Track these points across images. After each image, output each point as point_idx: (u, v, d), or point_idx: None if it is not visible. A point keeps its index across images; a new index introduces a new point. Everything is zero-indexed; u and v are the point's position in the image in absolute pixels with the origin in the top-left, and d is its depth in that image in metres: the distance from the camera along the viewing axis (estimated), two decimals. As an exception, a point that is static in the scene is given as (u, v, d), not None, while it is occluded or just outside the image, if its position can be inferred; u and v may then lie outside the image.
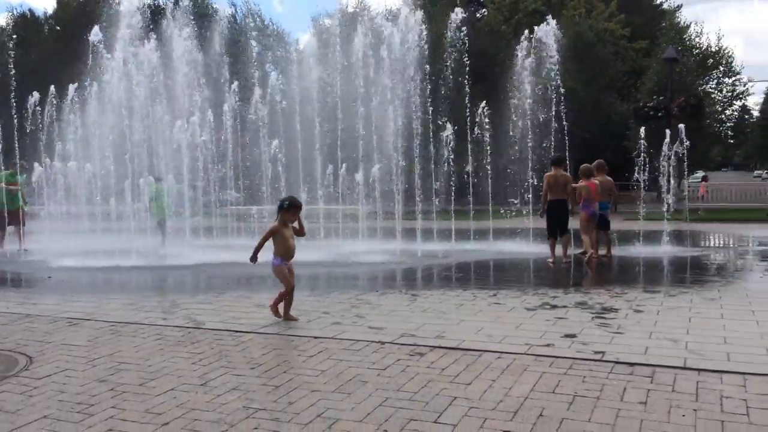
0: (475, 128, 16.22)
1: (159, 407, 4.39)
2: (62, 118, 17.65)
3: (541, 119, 17.61)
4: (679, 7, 56.72)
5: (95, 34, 15.53)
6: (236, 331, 6.52)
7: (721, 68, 52.33)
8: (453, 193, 16.62)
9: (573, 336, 6.05)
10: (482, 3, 55.69)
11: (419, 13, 17.63)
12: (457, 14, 17.91)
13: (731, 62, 52.92)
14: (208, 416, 4.21)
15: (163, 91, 16.82)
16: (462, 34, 17.97)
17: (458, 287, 9.39)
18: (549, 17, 16.52)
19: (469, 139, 16.37)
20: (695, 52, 46.84)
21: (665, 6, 56.08)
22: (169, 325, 6.86)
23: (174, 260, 12.86)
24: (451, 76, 20.41)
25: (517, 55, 17.26)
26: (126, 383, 4.93)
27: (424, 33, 17.10)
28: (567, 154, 14.28)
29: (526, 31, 17.16)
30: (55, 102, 17.83)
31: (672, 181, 15.63)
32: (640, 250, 13.56)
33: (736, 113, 62.26)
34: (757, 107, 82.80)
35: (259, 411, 4.28)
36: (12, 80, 17.24)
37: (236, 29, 44.73)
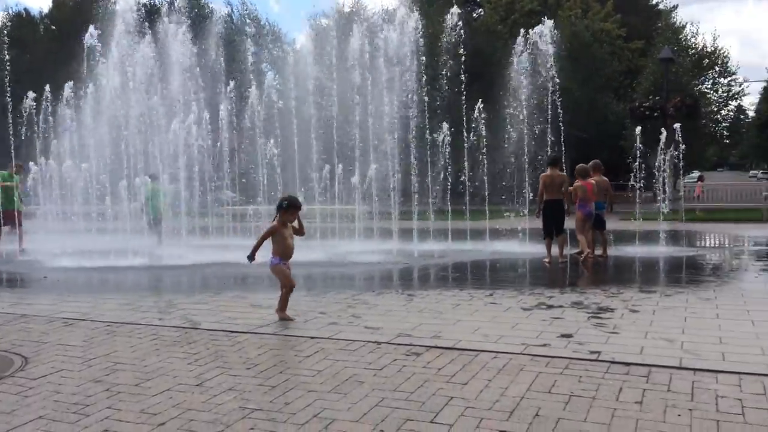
0: (472, 128, 16.24)
1: (155, 407, 4.38)
2: (58, 117, 17.62)
3: (538, 119, 17.62)
4: (675, 7, 56.84)
5: (90, 36, 15.48)
6: (232, 332, 6.52)
7: (717, 68, 52.40)
8: (449, 193, 16.62)
9: (569, 336, 6.06)
10: (478, 3, 55.71)
11: (415, 14, 17.62)
12: (453, 14, 17.91)
13: (727, 62, 53.03)
14: (204, 416, 4.21)
15: (159, 90, 16.78)
16: (458, 33, 17.96)
17: (455, 287, 9.40)
18: (545, 18, 16.54)
19: (465, 138, 16.38)
20: (691, 52, 46.90)
21: (661, 6, 56.13)
22: (165, 326, 6.85)
23: (170, 260, 12.85)
24: (447, 74, 20.41)
25: (514, 56, 17.28)
26: (122, 383, 4.92)
27: (421, 33, 17.10)
28: (563, 153, 14.31)
29: (522, 31, 17.17)
30: (50, 101, 17.79)
31: (667, 181, 15.66)
32: (635, 250, 13.59)
33: (731, 113, 62.34)
34: (753, 107, 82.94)
35: (255, 411, 4.28)
36: (7, 80, 17.19)
37: (232, 29, 44.71)
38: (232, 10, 52.67)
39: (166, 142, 16.05)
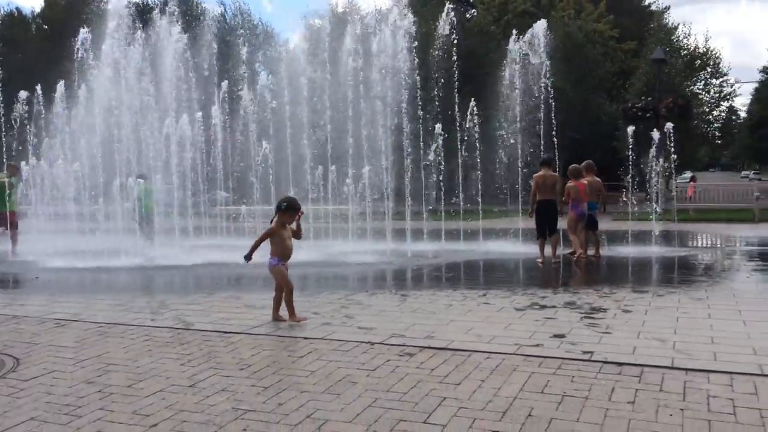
0: (465, 128, 16.26)
1: (147, 409, 4.37)
2: (50, 117, 17.54)
3: (531, 120, 17.67)
4: (668, 8, 57.16)
5: (82, 37, 15.43)
6: (225, 332, 6.50)
7: (709, 69, 52.71)
8: (443, 193, 16.64)
9: (562, 336, 6.07)
10: (472, 3, 55.82)
11: (409, 14, 17.64)
12: (447, 13, 17.93)
13: (719, 63, 53.35)
14: (197, 417, 4.20)
15: (152, 90, 16.73)
16: (452, 32, 17.99)
17: (448, 287, 9.41)
18: (540, 21, 16.57)
19: (459, 138, 16.40)
20: (683, 53, 47.14)
21: (653, 7, 56.43)
22: (158, 326, 6.83)
23: (163, 260, 12.81)
24: (439, 74, 20.44)
25: (507, 56, 17.32)
26: (114, 384, 4.90)
27: (414, 33, 17.11)
28: (556, 154, 14.34)
29: (515, 32, 17.21)
30: (41, 101, 17.71)
31: (660, 182, 15.72)
32: (628, 251, 13.63)
33: (723, 114, 62.77)
34: (744, 108, 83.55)
35: (248, 412, 4.27)
36: (-2, 79, 17.13)
37: (225, 28, 44.63)
38: (225, 9, 52.62)
39: (158, 141, 16.00)
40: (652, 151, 14.80)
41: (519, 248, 14.04)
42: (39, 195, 17.51)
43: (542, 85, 16.56)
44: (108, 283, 10.74)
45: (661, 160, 15.00)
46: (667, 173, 22.36)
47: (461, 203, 16.71)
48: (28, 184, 16.96)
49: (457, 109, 16.39)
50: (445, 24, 18.22)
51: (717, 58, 52.69)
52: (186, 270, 11.91)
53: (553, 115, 16.15)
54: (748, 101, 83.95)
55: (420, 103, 16.79)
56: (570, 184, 12.24)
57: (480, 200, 16.64)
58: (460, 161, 16.48)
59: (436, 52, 20.17)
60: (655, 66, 30.11)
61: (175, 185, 16.01)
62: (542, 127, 16.45)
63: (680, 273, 10.98)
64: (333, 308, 7.61)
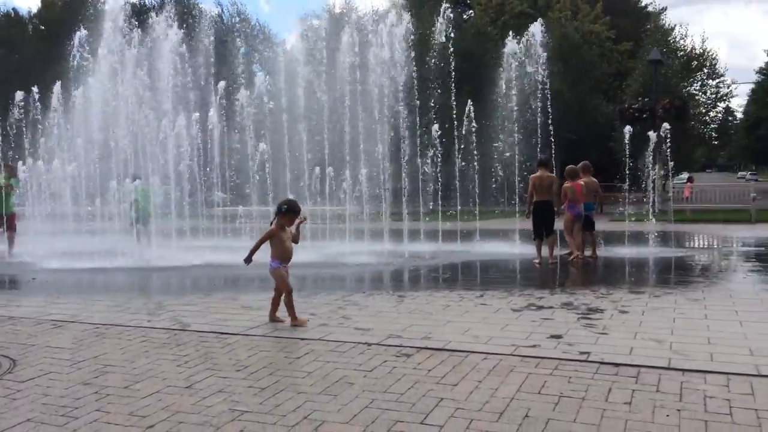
0: (462, 129, 16.28)
1: (144, 410, 4.36)
2: (46, 117, 17.51)
3: (528, 120, 17.69)
4: (664, 9, 57.26)
5: (79, 38, 15.41)
6: (222, 333, 6.50)
7: (706, 70, 52.77)
8: (440, 194, 16.65)
9: (559, 337, 6.08)
10: (469, 4, 55.85)
11: (406, 15, 17.65)
12: (444, 12, 17.94)
13: (715, 64, 53.43)
14: (194, 419, 4.19)
15: (149, 91, 16.71)
16: (449, 32, 18.00)
17: (445, 288, 9.41)
18: (537, 23, 16.60)
19: (456, 138, 16.41)
20: (680, 54, 47.18)
21: (650, 8, 56.52)
22: (155, 327, 6.82)
23: (160, 261, 12.80)
24: (436, 75, 20.45)
25: (504, 57, 17.34)
26: (110, 386, 4.89)
27: (411, 34, 17.12)
28: (553, 155, 14.37)
29: (511, 33, 17.24)
30: (38, 102, 17.68)
31: (656, 182, 15.75)
32: (625, 251, 13.65)
33: (720, 115, 62.89)
34: (741, 109, 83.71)
35: (244, 413, 4.27)
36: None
37: (222, 29, 44.58)
38: (222, 10, 52.57)
39: (155, 142, 15.99)
40: (649, 151, 14.82)
41: (516, 249, 14.05)
42: (36, 196, 17.48)
43: (539, 86, 16.58)
44: (105, 284, 10.72)
45: (657, 161, 15.01)
46: (663, 173, 22.41)
47: (458, 204, 16.70)
48: (25, 185, 16.92)
49: (454, 110, 16.40)
50: (441, 27, 18.23)
51: (713, 59, 52.81)
52: (183, 271, 11.90)
53: (550, 116, 16.17)
54: (745, 102, 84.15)
55: (417, 103, 16.79)
56: (567, 184, 12.25)
57: (477, 201, 16.64)
58: (457, 161, 16.48)
59: (433, 52, 20.18)
60: (651, 67, 30.13)
61: (173, 186, 15.97)
62: (539, 128, 16.45)
63: (677, 274, 11.00)
64: (330, 309, 7.61)
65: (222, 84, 18.59)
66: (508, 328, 6.48)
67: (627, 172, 15.08)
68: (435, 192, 16.83)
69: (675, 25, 52.23)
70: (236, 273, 10.97)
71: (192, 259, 12.71)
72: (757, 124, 70.82)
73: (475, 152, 16.18)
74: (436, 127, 15.99)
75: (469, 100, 17.10)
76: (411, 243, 14.90)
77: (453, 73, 17.21)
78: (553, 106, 16.68)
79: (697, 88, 53.06)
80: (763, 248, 14.26)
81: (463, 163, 16.70)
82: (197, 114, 17.20)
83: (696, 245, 16.21)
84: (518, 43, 16.77)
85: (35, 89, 17.59)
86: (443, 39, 18.19)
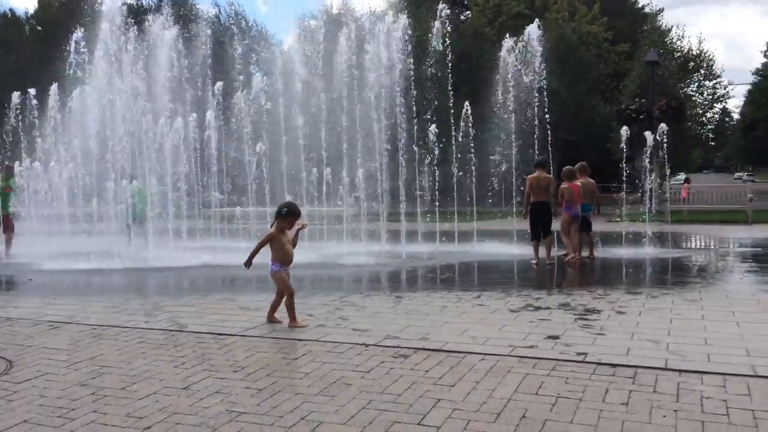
0: (460, 130, 16.29)
1: (141, 411, 4.35)
2: (43, 118, 17.49)
3: (525, 121, 17.70)
4: (661, 10, 57.39)
5: (76, 39, 15.40)
6: (219, 334, 6.49)
7: (702, 71, 52.79)
8: (437, 195, 16.65)
9: (556, 337, 6.09)
10: (466, 5, 55.89)
11: (403, 16, 17.65)
12: (442, 12, 17.96)
13: (712, 65, 53.44)
14: (191, 420, 4.19)
15: (146, 92, 16.70)
16: (446, 32, 18.00)
17: (442, 289, 9.42)
18: (534, 24, 16.62)
19: (453, 139, 16.42)
20: (677, 55, 47.24)
21: (647, 9, 56.63)
22: (152, 328, 6.81)
23: (157, 262, 12.78)
24: (434, 76, 20.46)
25: (501, 58, 17.35)
26: (107, 387, 4.88)
27: (408, 35, 17.12)
28: (550, 156, 14.38)
29: (508, 35, 17.26)
30: (35, 103, 17.65)
31: (654, 183, 15.77)
32: (622, 252, 13.67)
33: (716, 116, 62.94)
34: (738, 110, 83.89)
35: (242, 414, 4.26)
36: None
37: (220, 30, 44.54)
38: (219, 11, 52.54)
39: (153, 143, 15.97)
40: (646, 151, 14.84)
41: (513, 250, 14.06)
42: (32, 196, 17.45)
43: (536, 87, 16.60)
44: (102, 285, 10.70)
45: (655, 162, 15.04)
46: (660, 175, 22.45)
47: (455, 204, 16.71)
48: (22, 186, 16.89)
49: (452, 111, 16.41)
50: (439, 31, 18.26)
51: (710, 60, 52.82)
52: (180, 272, 11.88)
53: (547, 117, 16.18)
54: (741, 103, 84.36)
55: (414, 104, 16.80)
56: (564, 185, 12.26)
57: (474, 201, 16.65)
58: (454, 161, 16.48)
59: (431, 52, 20.18)
60: (648, 68, 30.20)
61: (170, 187, 15.96)
62: (536, 129, 16.47)
63: (674, 274, 11.02)
64: (327, 310, 7.61)
65: (219, 84, 18.59)
66: (505, 329, 6.49)
67: (624, 172, 15.07)
68: (432, 193, 16.82)
69: (672, 26, 52.34)
70: (233, 274, 10.96)
71: (189, 260, 12.70)
72: (754, 125, 71.03)
73: (473, 152, 16.20)
74: (433, 127, 16.00)
75: (467, 102, 17.12)
76: (408, 244, 14.90)
77: (450, 74, 17.21)
78: (551, 107, 16.69)
79: (694, 89, 53.13)
80: (759, 249, 14.29)
81: (460, 166, 16.70)
82: (194, 114, 17.18)
83: (693, 246, 16.24)
84: (515, 44, 16.76)
85: (32, 92, 17.55)
86: (441, 40, 18.20)
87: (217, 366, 5.38)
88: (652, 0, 57.03)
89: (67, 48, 16.15)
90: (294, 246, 7.10)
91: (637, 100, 33.36)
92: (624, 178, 15.40)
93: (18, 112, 17.61)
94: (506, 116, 17.21)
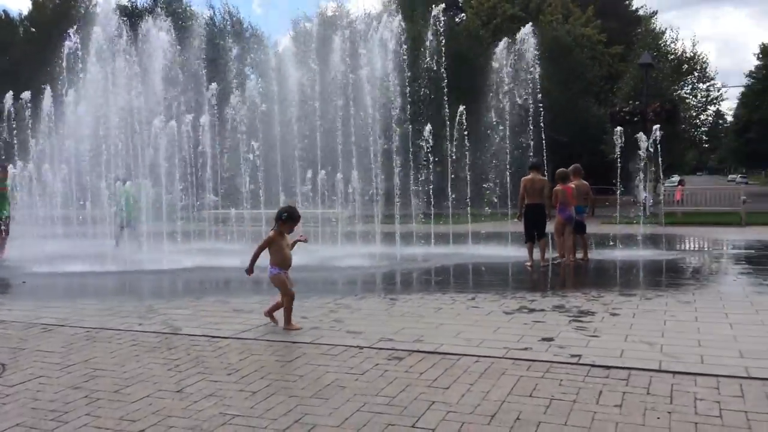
0: (454, 131, 16.30)
1: (134, 414, 4.34)
2: (37, 120, 17.43)
3: (519, 123, 17.73)
4: (655, 13, 57.75)
5: (69, 42, 15.37)
6: (213, 337, 6.48)
7: (696, 74, 52.95)
8: (432, 196, 16.66)
9: (550, 339, 6.09)
10: (461, 7, 55.97)
11: (398, 18, 17.65)
12: (438, 12, 17.97)
13: (705, 68, 53.59)
14: (184, 423, 4.18)
15: (140, 93, 16.66)
16: (440, 36, 18.04)
17: (437, 291, 9.42)
18: (528, 25, 16.66)
19: (447, 141, 16.43)
20: (670, 57, 47.41)
21: (641, 12, 56.82)
22: (146, 331, 6.79)
23: (150, 265, 12.74)
24: (429, 77, 20.48)
25: (495, 61, 17.38)
26: (101, 390, 4.87)
27: (403, 37, 17.14)
28: (544, 158, 14.40)
29: (504, 38, 17.29)
30: (29, 105, 17.60)
31: (648, 185, 15.81)
32: (616, 254, 13.69)
33: (710, 118, 63.06)
34: (731, 112, 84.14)
35: (235, 417, 4.25)
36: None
37: (214, 31, 44.47)
38: (214, 12, 52.44)
39: (146, 145, 15.94)
40: (641, 153, 14.87)
41: (508, 252, 14.07)
42: (26, 198, 17.37)
43: (530, 90, 16.63)
44: (95, 287, 10.66)
45: (649, 165, 15.07)
46: (654, 174, 22.50)
47: (450, 206, 16.72)
48: (15, 187, 16.81)
49: (447, 112, 16.42)
50: (434, 29, 18.28)
51: (704, 62, 52.98)
52: (174, 274, 11.85)
53: (541, 118, 16.21)
54: (735, 105, 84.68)
55: (410, 106, 16.80)
56: (558, 187, 12.28)
57: (468, 203, 16.66)
58: (449, 163, 16.49)
59: (425, 55, 20.19)
60: (642, 70, 30.30)
61: (164, 188, 15.92)
62: (530, 131, 16.50)
63: (668, 276, 11.05)
64: (322, 312, 7.60)
65: (214, 86, 18.56)
66: (499, 331, 6.49)
67: (618, 174, 15.12)
68: (427, 194, 16.83)
69: (666, 29, 52.49)
70: (228, 276, 10.94)
71: (183, 262, 12.67)
72: (747, 127, 71.23)
73: (467, 153, 16.20)
74: (428, 127, 16.00)
75: (461, 106, 17.12)
76: (403, 246, 14.90)
77: (445, 75, 17.23)
78: (545, 108, 16.72)
79: (688, 91, 53.27)
80: (752, 251, 14.33)
81: (454, 168, 16.72)
82: (190, 116, 17.15)
83: (687, 248, 16.28)
84: (510, 46, 16.80)
85: (27, 95, 17.49)
86: (435, 44, 18.24)
87: (211, 369, 5.37)
88: (646, 2, 57.28)
89: (62, 48, 16.09)
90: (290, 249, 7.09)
91: (630, 102, 33.42)
92: (617, 181, 15.44)
93: (11, 113, 17.55)
94: (500, 118, 17.22)
